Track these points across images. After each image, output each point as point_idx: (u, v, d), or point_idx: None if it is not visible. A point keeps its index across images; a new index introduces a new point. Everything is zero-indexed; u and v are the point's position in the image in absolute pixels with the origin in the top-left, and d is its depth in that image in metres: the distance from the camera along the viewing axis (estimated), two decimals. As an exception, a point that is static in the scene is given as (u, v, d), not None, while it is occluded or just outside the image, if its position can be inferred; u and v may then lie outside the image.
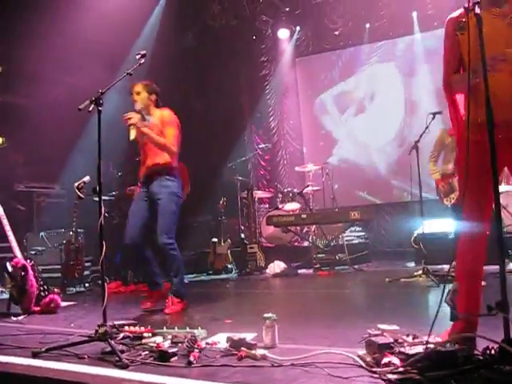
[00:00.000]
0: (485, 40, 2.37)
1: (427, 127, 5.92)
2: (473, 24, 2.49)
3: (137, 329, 3.47)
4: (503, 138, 2.58)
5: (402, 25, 10.44)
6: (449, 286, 2.49)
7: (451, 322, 2.70)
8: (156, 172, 4.91)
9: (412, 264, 7.49)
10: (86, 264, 7.28)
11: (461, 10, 2.80)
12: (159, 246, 4.74)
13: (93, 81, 4.91)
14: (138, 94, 4.95)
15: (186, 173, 7.96)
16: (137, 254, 4.90)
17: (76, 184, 4.71)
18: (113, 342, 3.07)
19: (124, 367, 2.74)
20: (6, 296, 5.65)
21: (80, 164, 6.88)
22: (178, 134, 5.01)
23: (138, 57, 3.74)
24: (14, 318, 4.75)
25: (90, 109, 3.39)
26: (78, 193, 4.47)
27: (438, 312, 2.35)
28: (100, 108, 3.43)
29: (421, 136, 6.00)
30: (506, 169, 2.94)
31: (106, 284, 3.41)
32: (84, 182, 4.74)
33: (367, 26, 10.78)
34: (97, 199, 3.45)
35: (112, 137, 7.51)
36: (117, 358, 2.84)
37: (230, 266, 8.56)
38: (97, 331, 3.16)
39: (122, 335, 3.40)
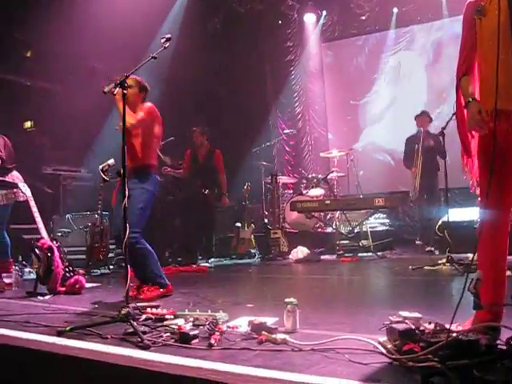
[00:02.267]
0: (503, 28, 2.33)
1: (454, 113, 5.81)
2: (491, 6, 2.45)
3: (159, 311, 3.51)
4: None
5: (431, 9, 10.23)
6: (472, 275, 2.45)
7: (474, 311, 2.66)
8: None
9: (436, 252, 7.41)
10: (111, 246, 7.37)
11: None
12: None
13: (120, 67, 4.92)
14: (130, 87, 4.82)
15: (222, 160, 8.01)
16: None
17: (100, 167, 4.76)
18: (135, 323, 3.12)
19: (146, 348, 2.77)
20: (33, 276, 5.76)
21: (106, 148, 6.95)
22: (159, 129, 4.91)
23: (162, 40, 3.73)
24: (41, 298, 4.85)
25: (115, 92, 3.41)
26: (103, 175, 4.52)
27: (460, 300, 2.32)
28: (125, 91, 3.45)
29: (447, 123, 5.89)
30: None
31: (129, 266, 3.45)
32: (108, 165, 4.79)
33: (395, 10, 10.61)
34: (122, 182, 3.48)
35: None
36: (139, 339, 2.87)
37: (253, 250, 8.58)
38: (119, 312, 3.21)
39: (144, 317, 3.45)
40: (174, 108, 8.82)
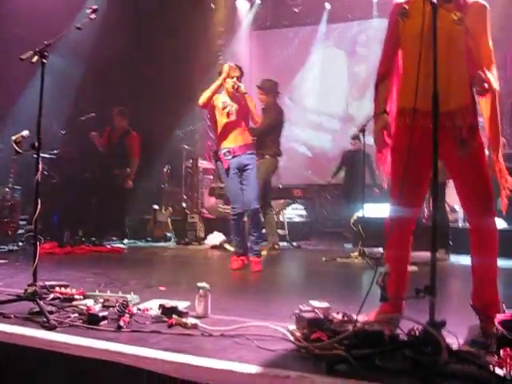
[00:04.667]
0: (427, 31, 2.42)
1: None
2: (415, 9, 2.53)
3: (68, 290, 3.41)
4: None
5: (362, 8, 10.47)
6: (381, 268, 2.55)
7: (380, 303, 2.77)
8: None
9: (350, 245, 7.64)
10: (21, 222, 7.06)
11: None
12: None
13: (42, 34, 4.69)
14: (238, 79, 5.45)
15: (137, 143, 7.83)
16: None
17: (13, 138, 4.52)
18: (41, 303, 3.00)
19: (51, 328, 2.67)
20: None
21: (22, 119, 6.64)
22: None
23: (88, 11, 3.58)
24: None
25: (34, 60, 3.24)
26: (16, 147, 4.30)
27: (368, 292, 2.41)
28: (44, 60, 3.28)
29: (368, 121, 6.04)
30: None
31: (38, 243, 3.31)
32: (22, 137, 4.55)
33: (327, 5, 10.77)
34: (36, 156, 3.33)
35: (57, 95, 7.28)
36: (44, 319, 2.77)
37: (169, 234, 8.51)
38: (26, 290, 3.08)
39: (51, 296, 3.33)
40: (99, 85, 8.57)
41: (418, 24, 2.55)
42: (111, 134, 7.85)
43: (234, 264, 5.37)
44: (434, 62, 2.34)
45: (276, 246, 6.94)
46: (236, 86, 5.32)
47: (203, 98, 5.35)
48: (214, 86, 5.39)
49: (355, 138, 6.53)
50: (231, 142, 5.29)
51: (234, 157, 5.27)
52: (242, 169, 5.29)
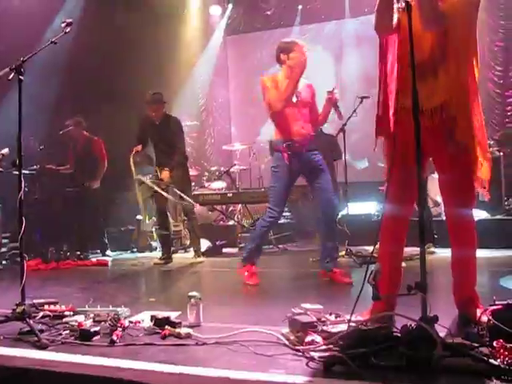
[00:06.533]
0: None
1: (355, 111, 6.04)
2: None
3: (57, 307, 3.38)
4: (424, 127, 2.64)
5: (334, 9, 10.55)
6: (372, 267, 2.56)
7: (372, 302, 2.78)
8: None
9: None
10: (4, 241, 6.97)
11: None
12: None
13: (14, 49, 4.64)
14: None
15: (101, 147, 7.74)
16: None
17: (-6, 156, 4.49)
18: (31, 322, 2.97)
19: (43, 347, 2.65)
20: None
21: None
22: None
23: (63, 25, 3.56)
24: None
25: (10, 77, 3.21)
26: (-4, 166, 4.27)
27: (360, 292, 2.42)
28: (21, 77, 3.26)
29: (348, 119, 6.08)
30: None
31: (24, 261, 3.28)
32: (2, 155, 4.54)
33: (299, 7, 10.83)
34: (17, 173, 3.30)
35: (34, 109, 7.17)
36: (35, 338, 2.74)
37: (154, 243, 8.45)
38: (14, 310, 3.04)
39: (41, 314, 3.30)
40: (75, 97, 8.50)
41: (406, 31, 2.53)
42: (75, 149, 7.76)
43: (254, 279, 4.67)
44: (412, 61, 2.38)
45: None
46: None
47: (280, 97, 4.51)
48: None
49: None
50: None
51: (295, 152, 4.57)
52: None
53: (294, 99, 4.58)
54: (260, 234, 4.81)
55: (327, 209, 4.57)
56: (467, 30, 2.76)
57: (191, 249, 7.76)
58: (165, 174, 6.49)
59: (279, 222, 5.21)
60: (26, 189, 6.65)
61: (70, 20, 3.52)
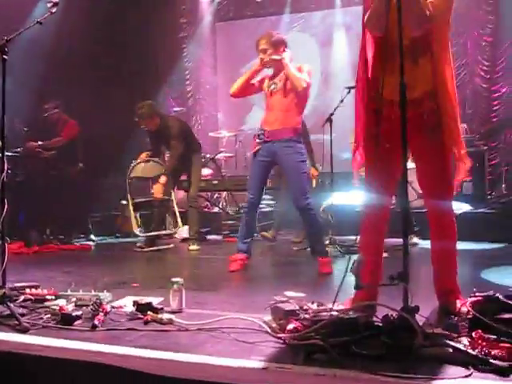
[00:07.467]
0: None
1: (342, 101, 6.03)
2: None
3: (39, 291, 3.36)
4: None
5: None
6: (354, 256, 2.58)
7: (354, 291, 2.80)
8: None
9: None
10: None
11: None
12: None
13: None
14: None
15: (70, 127, 7.62)
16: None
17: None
18: (12, 305, 2.94)
19: (24, 331, 2.63)
20: None
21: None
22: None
23: (49, 5, 3.50)
24: None
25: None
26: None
27: (342, 281, 2.44)
28: (5, 56, 3.21)
29: (335, 109, 6.09)
30: None
31: (6, 244, 3.25)
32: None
33: (289, -4, 10.80)
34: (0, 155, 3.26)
35: (18, 90, 7.10)
36: (16, 322, 2.73)
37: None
38: (-6, 293, 3.02)
39: (22, 298, 3.27)
40: (60, 79, 8.39)
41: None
42: (56, 132, 7.63)
43: (233, 265, 4.65)
44: (401, 50, 2.38)
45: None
46: (265, 60, 4.86)
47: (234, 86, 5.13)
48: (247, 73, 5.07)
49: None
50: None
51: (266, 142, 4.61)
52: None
53: (273, 87, 4.75)
54: (241, 219, 4.94)
55: (297, 207, 4.59)
56: (447, 18, 2.78)
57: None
58: (157, 189, 6.48)
59: (263, 210, 5.25)
60: (9, 171, 6.58)
61: (56, 0, 3.47)
